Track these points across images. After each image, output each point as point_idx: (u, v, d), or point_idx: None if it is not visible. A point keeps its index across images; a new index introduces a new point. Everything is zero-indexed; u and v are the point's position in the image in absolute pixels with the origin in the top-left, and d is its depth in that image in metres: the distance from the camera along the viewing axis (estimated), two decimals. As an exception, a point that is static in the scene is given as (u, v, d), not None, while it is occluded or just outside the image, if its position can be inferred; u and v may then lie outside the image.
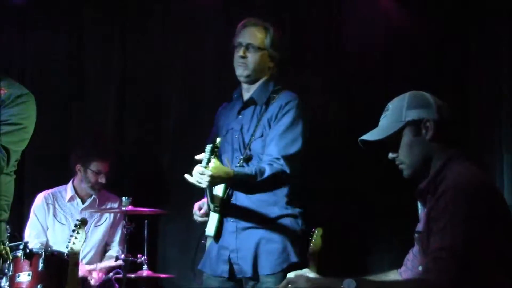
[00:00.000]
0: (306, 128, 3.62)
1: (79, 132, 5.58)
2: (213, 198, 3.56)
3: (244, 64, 3.68)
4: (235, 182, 3.47)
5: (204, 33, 5.36)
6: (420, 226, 2.55)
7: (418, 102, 2.58)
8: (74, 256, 4.25)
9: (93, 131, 5.57)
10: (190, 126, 5.34)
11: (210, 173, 3.32)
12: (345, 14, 5.11)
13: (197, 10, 5.39)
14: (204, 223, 3.72)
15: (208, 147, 3.37)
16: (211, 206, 3.59)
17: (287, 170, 3.49)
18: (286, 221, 3.60)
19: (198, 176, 3.36)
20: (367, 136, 2.62)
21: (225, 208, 3.60)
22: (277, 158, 3.50)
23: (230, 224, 3.62)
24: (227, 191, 3.60)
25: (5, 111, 3.13)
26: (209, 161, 3.34)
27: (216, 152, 3.37)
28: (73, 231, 4.31)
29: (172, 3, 5.47)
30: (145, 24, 5.54)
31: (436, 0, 4.89)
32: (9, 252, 4.07)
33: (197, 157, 3.43)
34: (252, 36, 3.69)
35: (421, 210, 2.60)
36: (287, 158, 3.50)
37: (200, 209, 3.74)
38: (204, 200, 3.75)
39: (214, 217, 3.61)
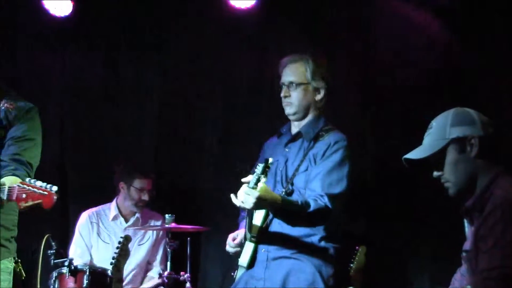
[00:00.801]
0: (352, 171, 3.58)
1: (122, 150, 5.63)
2: (251, 227, 3.54)
3: (289, 103, 3.69)
4: (280, 209, 3.41)
5: (239, 51, 5.39)
6: (467, 245, 2.51)
7: (462, 119, 2.56)
8: (117, 273, 4.29)
9: (135, 150, 5.61)
10: (232, 143, 5.37)
11: (257, 194, 3.26)
12: (378, 31, 5.11)
13: (232, 30, 5.43)
14: (236, 254, 3.71)
15: (260, 166, 3.33)
16: (248, 235, 3.56)
17: (331, 207, 3.45)
18: (319, 253, 3.56)
19: (244, 196, 3.31)
20: (411, 155, 2.60)
21: (261, 238, 3.58)
22: (321, 195, 3.46)
23: (262, 254, 3.59)
24: (266, 221, 3.57)
25: (19, 126, 3.24)
26: (258, 180, 3.29)
27: (267, 172, 3.33)
28: (117, 248, 4.35)
29: (207, 23, 5.51)
30: (182, 42, 5.59)
31: (472, 16, 4.84)
32: (22, 271, 4.16)
33: (244, 179, 3.40)
34: (292, 74, 3.70)
35: (468, 228, 2.56)
36: (332, 197, 3.46)
37: (234, 239, 3.72)
38: (239, 231, 3.74)
39: (249, 247, 3.57)
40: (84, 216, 5.29)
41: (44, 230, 4.74)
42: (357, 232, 4.59)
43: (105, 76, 5.68)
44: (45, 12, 5.47)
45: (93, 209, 5.33)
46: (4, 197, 2.82)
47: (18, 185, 2.80)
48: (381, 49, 5.11)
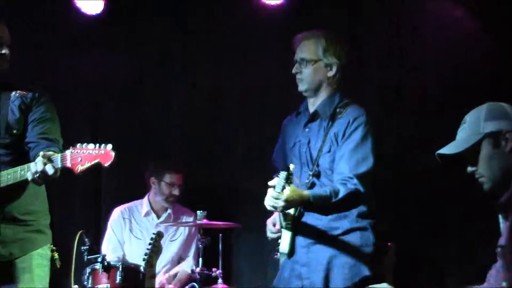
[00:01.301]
0: (375, 144, 3.57)
1: (153, 146, 5.66)
2: (285, 215, 3.56)
3: (300, 80, 3.68)
4: (311, 204, 3.44)
5: (268, 48, 5.40)
6: (502, 240, 2.48)
7: (496, 113, 2.53)
8: (150, 269, 4.33)
9: (167, 146, 5.65)
10: (263, 140, 5.37)
11: (285, 197, 3.31)
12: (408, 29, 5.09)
13: (261, 27, 5.44)
14: (276, 240, 3.72)
15: (282, 174, 3.32)
16: (283, 223, 3.58)
17: (361, 189, 3.44)
18: (357, 234, 3.55)
19: (273, 201, 3.36)
20: (445, 150, 2.58)
21: (297, 224, 3.59)
22: (350, 177, 3.44)
23: (302, 239, 3.60)
24: (299, 208, 3.58)
25: (38, 108, 3.28)
26: (283, 188, 3.32)
27: (290, 179, 3.34)
28: (150, 244, 4.38)
29: (235, 20, 5.52)
30: (211, 40, 5.60)
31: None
32: (58, 259, 4.18)
33: (270, 183, 3.41)
34: (304, 50, 3.68)
35: (502, 223, 2.53)
36: (360, 177, 3.45)
37: (274, 224, 3.73)
38: (275, 215, 3.74)
39: (286, 235, 3.59)
40: (117, 212, 5.34)
41: (77, 227, 4.80)
42: (386, 231, 4.57)
43: (135, 74, 5.71)
44: (76, 11, 5.52)
45: (126, 205, 5.37)
46: (58, 165, 2.84)
47: (70, 152, 2.83)
48: (413, 48, 5.09)
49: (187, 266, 5.25)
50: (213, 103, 5.61)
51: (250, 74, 5.50)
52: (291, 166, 3.37)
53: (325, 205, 3.44)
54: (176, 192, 5.23)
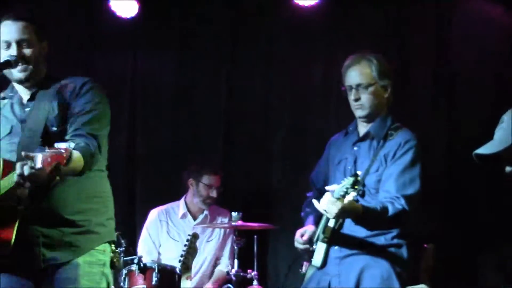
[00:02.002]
0: (423, 170, 3.54)
1: (190, 148, 5.69)
2: (325, 228, 3.54)
3: (360, 106, 3.64)
4: (362, 218, 3.41)
5: (309, 58, 5.39)
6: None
7: (535, 112, 2.48)
8: (186, 271, 4.33)
9: (204, 148, 5.67)
10: (300, 142, 5.37)
11: (341, 205, 3.29)
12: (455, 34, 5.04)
13: (298, 28, 5.42)
14: (305, 251, 3.69)
15: (350, 179, 3.30)
16: (321, 236, 3.56)
17: (407, 209, 3.41)
18: (391, 251, 3.52)
19: (329, 206, 3.33)
20: (483, 150, 2.54)
21: (334, 238, 3.57)
22: (397, 197, 3.42)
23: (334, 250, 3.57)
24: (339, 222, 3.56)
25: (77, 102, 3.11)
26: (346, 193, 3.29)
27: (356, 187, 3.32)
28: (185, 245, 4.39)
29: (273, 21, 5.52)
30: (250, 42, 5.61)
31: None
32: (120, 261, 4.16)
33: (328, 187, 3.41)
34: (359, 75, 3.63)
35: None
36: (407, 198, 3.42)
37: (302, 235, 3.71)
38: (307, 227, 3.72)
39: (321, 248, 3.56)
40: (154, 214, 5.36)
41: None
42: (425, 232, 4.53)
43: (173, 76, 5.75)
44: (112, 14, 5.56)
45: (162, 207, 5.40)
46: (36, 165, 2.62)
47: (47, 151, 2.64)
48: (455, 48, 5.04)
49: (223, 265, 5.26)
50: (252, 105, 5.61)
51: (290, 76, 5.50)
52: (359, 173, 3.37)
53: (375, 220, 3.42)
54: (214, 194, 5.25)
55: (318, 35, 5.39)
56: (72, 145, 2.70)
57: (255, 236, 4.84)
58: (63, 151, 2.64)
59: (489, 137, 2.58)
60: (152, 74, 5.77)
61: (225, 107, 5.68)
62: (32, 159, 2.65)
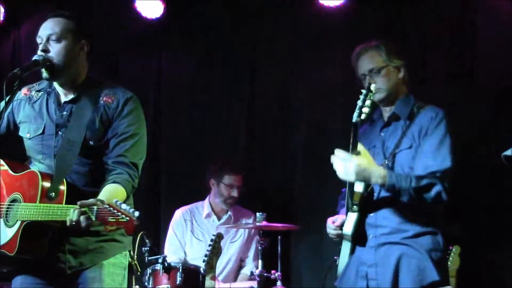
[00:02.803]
0: (455, 144, 3.51)
1: (214, 148, 5.70)
2: (352, 194, 3.49)
3: (377, 90, 3.62)
4: (390, 178, 3.30)
5: (331, 58, 5.38)
6: None
7: None
8: (210, 270, 4.34)
9: (227, 149, 5.68)
10: (324, 142, 5.35)
11: (356, 161, 3.23)
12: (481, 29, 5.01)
13: (322, 28, 5.42)
14: (337, 238, 3.66)
15: (363, 93, 3.31)
16: (350, 204, 3.51)
17: (444, 184, 3.34)
18: (428, 238, 3.45)
19: (343, 165, 3.26)
20: (511, 152, 2.52)
21: (365, 207, 3.52)
22: (433, 172, 3.37)
23: (370, 239, 3.55)
24: (369, 187, 3.51)
25: (121, 122, 3.10)
26: (363, 105, 3.27)
27: (371, 98, 3.27)
28: (210, 245, 4.39)
29: (297, 21, 5.52)
30: (273, 42, 5.61)
31: None
32: (138, 265, 4.18)
33: (337, 150, 3.35)
34: (369, 61, 3.62)
35: None
36: (444, 173, 3.37)
37: (333, 222, 3.69)
38: (337, 216, 3.70)
39: (352, 217, 3.51)
40: (178, 214, 5.38)
41: (137, 228, 4.84)
42: (454, 233, 4.50)
43: (197, 76, 5.76)
44: (137, 15, 5.59)
45: (187, 207, 5.41)
46: (93, 218, 2.70)
47: (106, 207, 2.68)
48: (481, 48, 5.01)
49: (248, 268, 5.26)
50: (274, 105, 5.61)
51: (313, 76, 5.49)
52: (372, 85, 3.34)
53: (403, 188, 3.34)
54: (235, 193, 5.25)
55: (341, 35, 5.38)
56: (137, 213, 2.70)
57: (279, 237, 4.83)
58: (128, 220, 2.68)
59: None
60: (176, 74, 5.79)
61: (248, 107, 5.67)
62: (88, 208, 2.72)
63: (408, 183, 3.33)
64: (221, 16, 5.63)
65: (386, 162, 3.47)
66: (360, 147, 3.29)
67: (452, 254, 4.17)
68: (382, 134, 3.62)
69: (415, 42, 5.17)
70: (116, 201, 2.71)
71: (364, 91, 3.33)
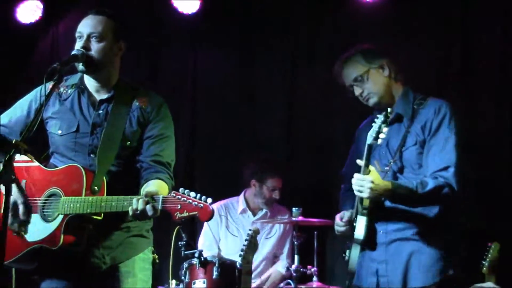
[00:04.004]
0: (461, 137, 3.46)
1: (250, 145, 5.70)
2: (362, 200, 3.49)
3: (368, 96, 3.58)
4: (394, 195, 3.33)
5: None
6: None
7: None
8: (246, 265, 4.34)
9: (263, 143, 5.68)
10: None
11: (371, 178, 3.25)
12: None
13: (361, 36, 5.39)
14: (345, 234, 3.65)
15: (380, 116, 3.26)
16: (359, 208, 3.50)
17: (454, 184, 3.33)
18: (439, 233, 3.43)
19: (359, 183, 3.28)
20: None
21: (374, 211, 3.49)
22: (442, 169, 3.35)
23: (380, 235, 3.52)
24: None
25: (156, 125, 3.18)
26: (380, 131, 3.23)
27: (388, 123, 3.23)
28: (246, 240, 4.40)
29: (334, 20, 5.51)
30: (315, 41, 5.60)
31: None
32: (157, 260, 4.20)
33: (358, 161, 3.36)
34: (351, 72, 3.60)
35: None
36: (453, 172, 3.34)
37: (341, 218, 3.67)
38: (344, 212, 3.68)
39: (362, 220, 3.49)
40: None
41: (174, 223, 4.86)
42: (490, 229, 4.46)
43: (236, 75, 5.78)
44: (174, 10, 5.61)
45: (222, 202, 5.42)
46: (159, 206, 2.79)
47: (173, 196, 2.76)
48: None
49: (281, 265, 5.25)
50: (312, 102, 5.60)
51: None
52: (389, 109, 3.30)
53: (409, 196, 3.33)
54: (276, 195, 5.27)
55: (379, 31, 5.34)
56: (209, 200, 2.78)
57: (315, 232, 4.82)
58: (203, 206, 2.74)
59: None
60: (212, 71, 5.80)
61: (286, 103, 5.68)
62: (152, 197, 2.81)
63: (412, 192, 3.31)
64: (258, 13, 5.62)
65: (392, 162, 3.44)
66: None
67: (491, 250, 4.12)
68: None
69: (453, 41, 5.12)
70: (184, 190, 2.79)
71: (381, 116, 3.28)
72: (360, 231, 3.44)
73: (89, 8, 3.21)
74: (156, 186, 2.98)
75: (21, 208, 3.06)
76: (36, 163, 3.17)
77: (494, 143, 3.41)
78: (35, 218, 3.07)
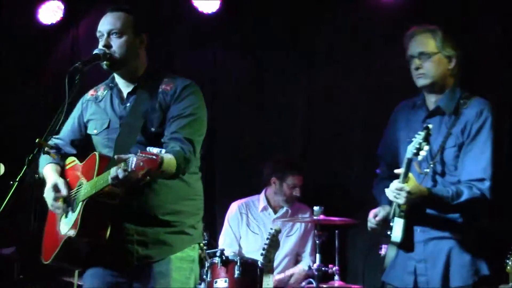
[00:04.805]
0: (500, 142, 3.44)
1: (269, 143, 5.70)
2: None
3: (422, 75, 3.54)
4: (428, 202, 3.34)
5: (386, 53, 5.32)
6: None
7: None
8: (268, 264, 4.34)
9: (283, 141, 5.67)
10: (377, 135, 5.30)
11: (408, 189, 3.25)
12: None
13: (379, 23, 5.39)
14: (376, 231, 3.63)
15: (421, 134, 3.24)
16: (397, 211, 3.48)
17: (488, 195, 3.31)
18: (475, 233, 3.42)
19: (395, 192, 3.29)
20: None
21: (412, 213, 3.49)
22: (478, 180, 3.33)
23: (418, 234, 3.50)
24: None
25: (177, 105, 3.12)
26: (420, 149, 3.22)
27: (429, 141, 3.22)
28: (267, 238, 4.40)
29: (351, 16, 5.49)
30: (328, 39, 5.59)
31: None
32: (207, 257, 4.20)
33: (397, 171, 3.36)
34: (421, 44, 3.53)
35: None
36: (487, 182, 3.32)
37: (375, 216, 3.65)
38: (381, 207, 3.65)
39: (399, 223, 3.48)
40: (234, 207, 5.40)
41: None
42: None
43: (255, 75, 5.77)
44: (194, 10, 5.62)
45: (242, 200, 5.43)
46: (129, 169, 2.69)
47: (139, 155, 2.66)
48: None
49: (304, 263, 5.25)
50: (331, 99, 5.58)
51: (369, 72, 5.44)
52: (430, 126, 3.28)
53: (444, 205, 3.33)
54: (297, 193, 5.26)
55: (399, 30, 5.30)
56: (163, 150, 2.74)
57: (336, 231, 4.80)
58: (155, 157, 2.67)
59: None
60: (231, 70, 5.80)
61: (304, 103, 5.67)
62: (125, 161, 2.73)
63: (447, 201, 3.31)
64: (277, 13, 5.62)
65: (431, 164, 3.42)
66: (410, 175, 3.28)
67: (515, 251, 4.09)
68: (425, 125, 3.55)
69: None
70: (148, 148, 2.72)
71: (422, 133, 3.26)
72: (397, 233, 3.42)
73: (108, 7, 3.23)
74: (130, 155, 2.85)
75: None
76: (76, 161, 3.23)
77: (494, 143, 3.38)
78: (70, 211, 3.12)
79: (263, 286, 4.35)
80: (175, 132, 3.06)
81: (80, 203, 3.03)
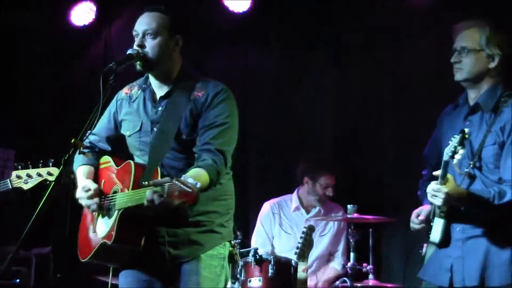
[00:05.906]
0: None
1: (301, 142, 5.68)
2: None
3: (459, 69, 3.51)
4: (468, 203, 3.31)
5: (411, 44, 5.29)
6: None
7: None
8: (302, 263, 4.33)
9: (315, 140, 5.66)
10: (415, 133, 5.26)
11: (446, 190, 3.22)
12: None
13: (403, 23, 5.36)
14: (421, 231, 3.60)
15: (457, 137, 3.21)
16: (437, 211, 3.45)
17: None
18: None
19: (433, 193, 3.27)
20: None
21: (452, 213, 3.46)
22: None
23: (456, 232, 3.46)
24: None
25: (209, 113, 3.10)
26: (455, 152, 3.20)
27: (464, 145, 3.20)
28: (301, 237, 4.39)
29: (378, 16, 5.46)
30: (358, 41, 5.58)
31: None
32: (238, 255, 4.20)
33: (435, 173, 3.33)
34: (465, 39, 3.49)
35: None
36: None
37: (418, 215, 3.62)
38: (423, 207, 3.63)
39: (439, 223, 3.45)
40: (267, 207, 5.39)
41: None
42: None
43: (287, 74, 5.76)
44: (225, 9, 5.63)
45: (275, 200, 5.42)
46: (165, 195, 2.74)
47: (174, 183, 2.69)
48: None
49: (337, 263, 5.23)
50: (366, 98, 5.57)
51: (397, 71, 5.40)
52: (466, 130, 3.25)
53: (484, 206, 3.29)
54: (330, 193, 5.24)
55: (426, 27, 5.27)
56: (199, 184, 2.74)
57: (370, 230, 4.78)
58: (190, 191, 2.69)
59: None
60: (262, 70, 5.80)
61: (341, 99, 5.65)
62: (161, 186, 2.75)
63: (487, 203, 3.26)
64: (309, 12, 5.60)
65: (471, 165, 3.38)
66: (448, 177, 3.26)
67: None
68: (466, 123, 3.51)
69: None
70: (184, 176, 2.74)
71: (457, 137, 3.24)
72: (436, 234, 3.40)
73: (142, 8, 3.22)
74: (189, 174, 2.89)
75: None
76: (112, 163, 3.25)
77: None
78: (106, 215, 3.14)
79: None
80: (207, 143, 3.06)
81: (116, 212, 3.05)
